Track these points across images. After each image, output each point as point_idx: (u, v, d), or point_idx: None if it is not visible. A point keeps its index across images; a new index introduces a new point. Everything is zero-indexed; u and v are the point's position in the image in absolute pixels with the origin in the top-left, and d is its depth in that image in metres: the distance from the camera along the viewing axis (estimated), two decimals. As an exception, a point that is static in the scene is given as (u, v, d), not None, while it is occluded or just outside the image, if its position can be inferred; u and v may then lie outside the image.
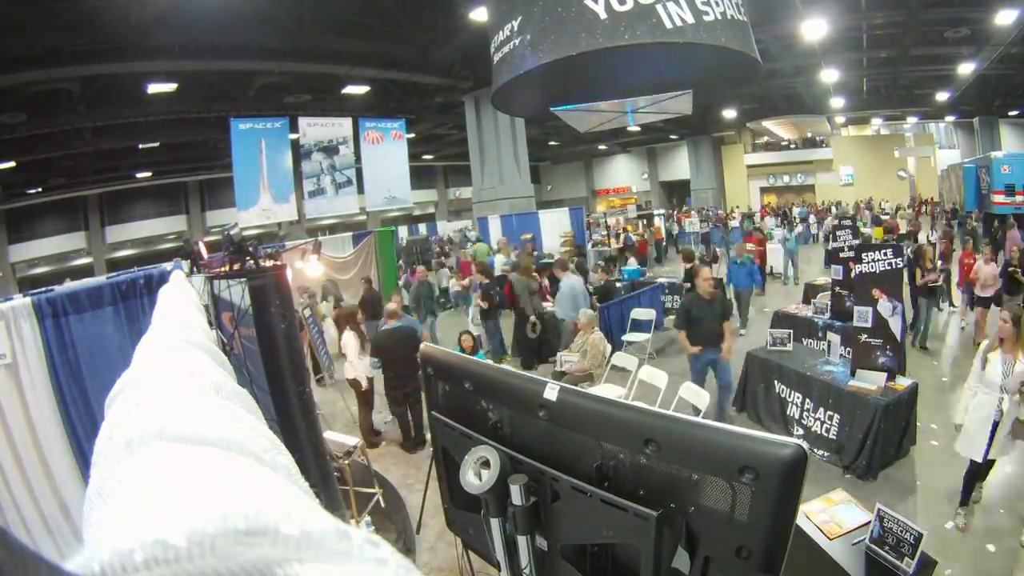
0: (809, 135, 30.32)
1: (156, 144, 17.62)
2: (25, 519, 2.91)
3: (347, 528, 0.29)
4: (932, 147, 29.19)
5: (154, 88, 11.93)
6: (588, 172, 37.39)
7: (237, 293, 3.05)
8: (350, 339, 6.15)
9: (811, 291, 8.96)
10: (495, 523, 1.24)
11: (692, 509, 1.00)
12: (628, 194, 34.91)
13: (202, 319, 1.68)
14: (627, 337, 8.13)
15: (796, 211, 24.36)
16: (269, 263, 3.05)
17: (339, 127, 13.32)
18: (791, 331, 6.21)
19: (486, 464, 1.20)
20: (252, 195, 12.04)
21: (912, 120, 27.91)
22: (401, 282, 10.69)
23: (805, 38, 12.99)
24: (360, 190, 14.01)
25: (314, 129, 13.02)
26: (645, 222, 21.56)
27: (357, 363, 6.06)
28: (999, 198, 17.39)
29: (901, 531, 2.81)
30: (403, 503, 4.95)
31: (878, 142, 30.27)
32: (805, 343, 6.91)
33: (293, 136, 12.83)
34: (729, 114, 24.27)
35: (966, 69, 16.23)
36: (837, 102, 20.99)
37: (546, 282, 9.27)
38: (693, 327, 5.60)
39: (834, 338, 5.63)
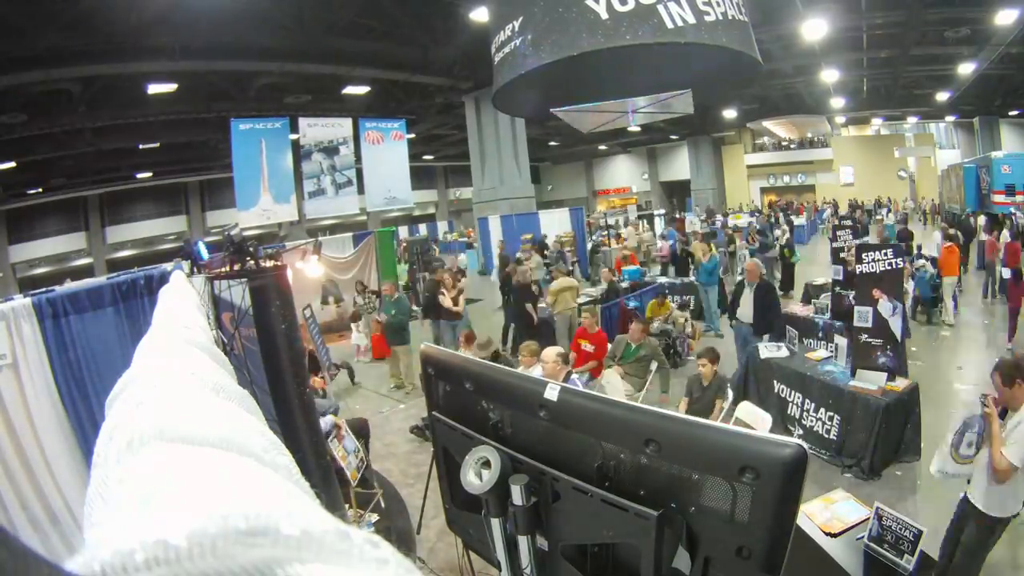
0: (809, 135, 30.31)
1: (156, 144, 17.63)
2: (34, 518, 2.91)
3: (348, 528, 0.29)
4: (932, 147, 29.18)
5: (154, 88, 11.94)
6: (588, 172, 37.39)
7: (238, 293, 3.05)
8: None
9: (811, 291, 8.96)
10: (496, 523, 1.25)
11: (693, 509, 1.00)
12: (628, 194, 34.91)
13: (202, 319, 1.68)
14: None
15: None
16: (269, 263, 3.06)
17: (339, 127, 13.31)
18: (797, 333, 6.25)
19: (487, 464, 1.20)
20: (252, 195, 12.03)
21: (912, 120, 27.89)
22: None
23: (805, 38, 12.98)
24: (360, 190, 14.01)
25: (314, 129, 13.01)
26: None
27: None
28: (999, 198, 17.42)
29: (900, 529, 2.81)
30: (403, 503, 4.95)
31: (878, 142, 30.26)
32: (805, 343, 6.92)
33: (293, 136, 12.83)
34: (729, 114, 24.27)
35: (966, 69, 16.22)
36: (837, 102, 20.99)
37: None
38: None
39: (841, 342, 5.62)
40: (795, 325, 7.53)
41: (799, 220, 21.15)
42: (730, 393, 5.10)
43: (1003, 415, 2.94)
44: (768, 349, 5.91)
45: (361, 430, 5.04)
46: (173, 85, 12.04)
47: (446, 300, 8.41)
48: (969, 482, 3.15)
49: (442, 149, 26.42)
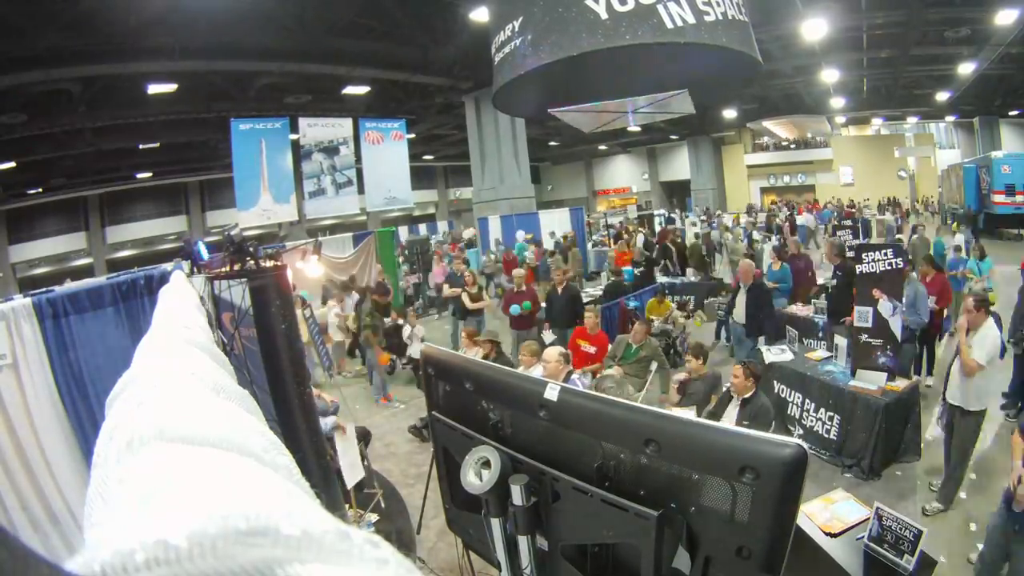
0: (809, 135, 30.30)
1: (156, 144, 17.61)
2: (33, 518, 2.91)
3: (348, 528, 0.29)
4: (932, 147, 29.17)
5: (154, 88, 11.93)
6: (588, 172, 37.39)
7: (238, 293, 3.05)
8: None
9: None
10: (496, 523, 1.25)
11: (693, 509, 1.00)
12: (628, 194, 34.92)
13: (202, 319, 1.68)
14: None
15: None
16: (269, 263, 3.05)
17: (339, 127, 13.32)
18: (797, 333, 6.24)
19: (487, 464, 1.20)
20: (252, 195, 12.04)
21: (912, 120, 27.87)
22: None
23: (805, 38, 12.98)
24: (360, 190, 14.01)
25: (314, 129, 13.01)
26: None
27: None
28: (999, 198, 17.42)
29: (900, 529, 2.81)
30: (403, 503, 4.95)
31: (878, 142, 30.26)
32: (805, 343, 6.92)
33: (293, 136, 12.83)
34: (729, 114, 24.26)
35: (966, 69, 16.21)
36: (837, 102, 20.97)
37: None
38: None
39: (841, 342, 5.61)
40: (795, 325, 7.52)
41: (801, 219, 21.08)
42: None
43: None
44: (772, 353, 5.91)
45: (362, 436, 5.05)
46: (173, 85, 12.03)
47: (466, 298, 8.57)
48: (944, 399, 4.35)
49: (442, 149, 26.41)
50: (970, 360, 4.04)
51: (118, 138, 15.45)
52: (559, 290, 7.63)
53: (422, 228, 27.70)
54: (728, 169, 32.49)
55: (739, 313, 6.76)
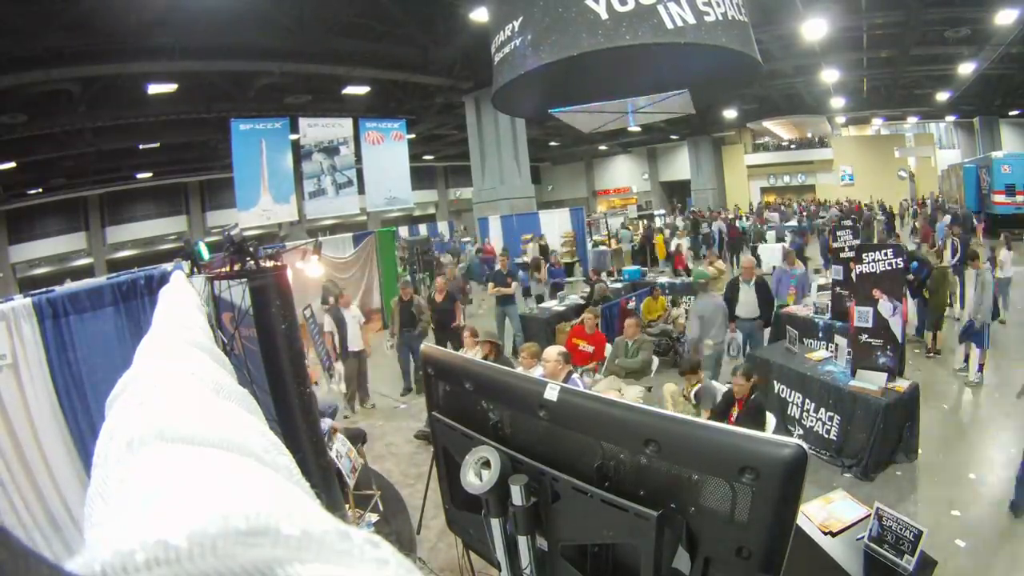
0: (809, 135, 30.30)
1: (157, 145, 17.62)
2: (33, 518, 2.91)
3: (348, 528, 0.29)
4: (932, 147, 29.18)
5: (154, 89, 11.94)
6: (589, 172, 37.38)
7: (238, 294, 3.05)
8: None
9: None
10: (496, 523, 1.25)
11: (692, 509, 1.00)
12: (629, 194, 34.91)
13: (202, 320, 1.68)
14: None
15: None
16: (270, 263, 3.06)
17: (339, 127, 13.32)
18: (797, 333, 6.25)
19: (487, 464, 1.20)
20: (253, 196, 12.04)
21: (912, 120, 27.88)
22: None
23: (805, 38, 12.99)
24: (361, 190, 14.02)
25: (314, 129, 13.02)
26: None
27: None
28: (999, 198, 17.42)
29: (900, 529, 2.81)
30: (403, 503, 4.95)
31: (878, 142, 30.26)
32: (806, 343, 6.91)
33: (293, 136, 12.83)
34: (729, 114, 24.26)
35: (966, 69, 16.22)
36: (837, 102, 20.98)
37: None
38: None
39: (841, 341, 5.61)
40: (795, 325, 7.51)
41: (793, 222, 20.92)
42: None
43: None
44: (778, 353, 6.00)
45: (356, 437, 5.04)
46: (173, 85, 12.05)
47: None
48: None
49: (442, 149, 26.42)
50: None
51: (118, 138, 15.45)
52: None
53: (422, 228, 27.68)
54: (728, 169, 32.49)
55: (743, 309, 6.84)
